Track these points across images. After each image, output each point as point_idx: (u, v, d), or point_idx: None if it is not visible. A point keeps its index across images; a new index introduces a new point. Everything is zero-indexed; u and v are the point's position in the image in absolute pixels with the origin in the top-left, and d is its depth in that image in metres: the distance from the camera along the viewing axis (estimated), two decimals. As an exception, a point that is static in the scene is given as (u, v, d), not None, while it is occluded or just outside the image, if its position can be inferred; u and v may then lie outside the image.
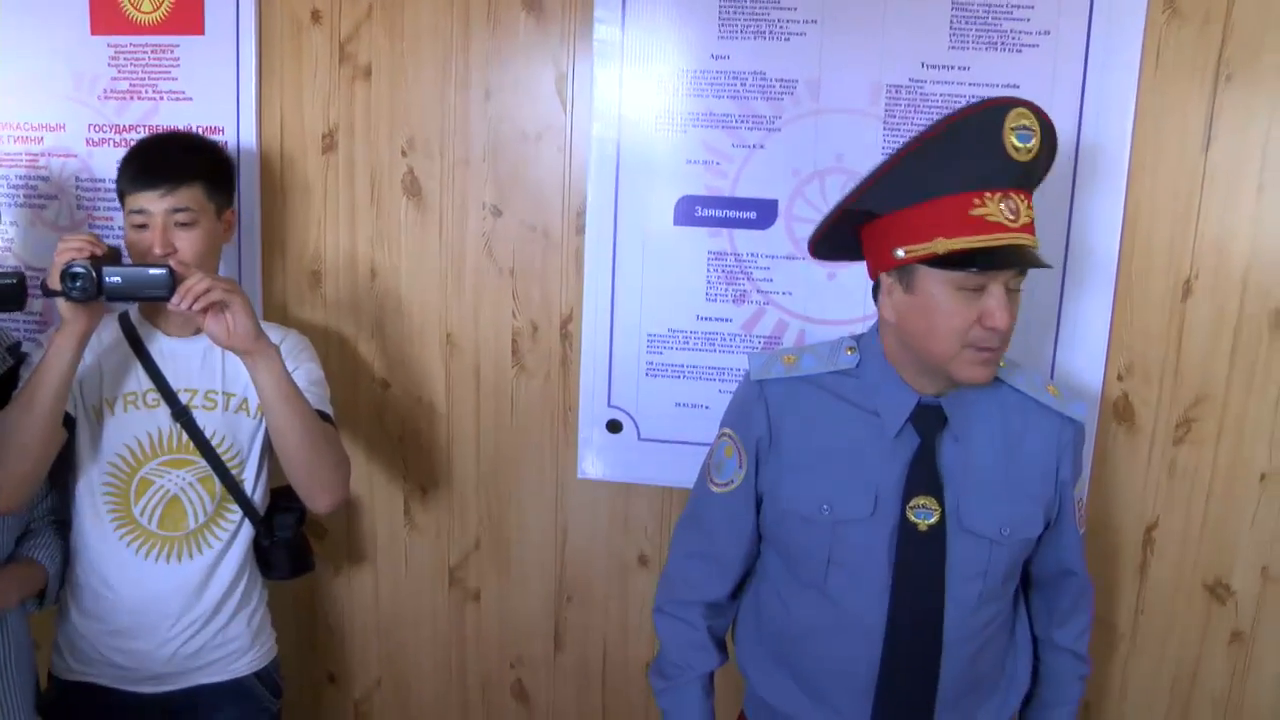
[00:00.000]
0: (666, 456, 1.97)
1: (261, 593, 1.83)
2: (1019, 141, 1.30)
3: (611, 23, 1.86)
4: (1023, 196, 1.32)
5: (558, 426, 2.04)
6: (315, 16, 1.97)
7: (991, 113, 1.31)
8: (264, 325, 1.74)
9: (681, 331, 1.93)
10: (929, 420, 1.44)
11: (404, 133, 1.98)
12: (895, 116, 1.82)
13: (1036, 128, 1.31)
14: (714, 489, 1.56)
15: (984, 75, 1.80)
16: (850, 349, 1.49)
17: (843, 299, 1.88)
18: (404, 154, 1.99)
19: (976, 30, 1.79)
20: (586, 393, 1.98)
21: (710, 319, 1.92)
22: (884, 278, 1.40)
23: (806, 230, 1.84)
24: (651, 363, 1.95)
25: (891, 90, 1.81)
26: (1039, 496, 1.47)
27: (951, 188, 1.32)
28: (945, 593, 1.43)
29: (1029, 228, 1.32)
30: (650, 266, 1.92)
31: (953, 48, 1.80)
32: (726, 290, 1.91)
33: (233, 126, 1.99)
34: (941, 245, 1.31)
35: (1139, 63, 1.77)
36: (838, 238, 1.47)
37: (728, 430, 1.57)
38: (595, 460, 2.01)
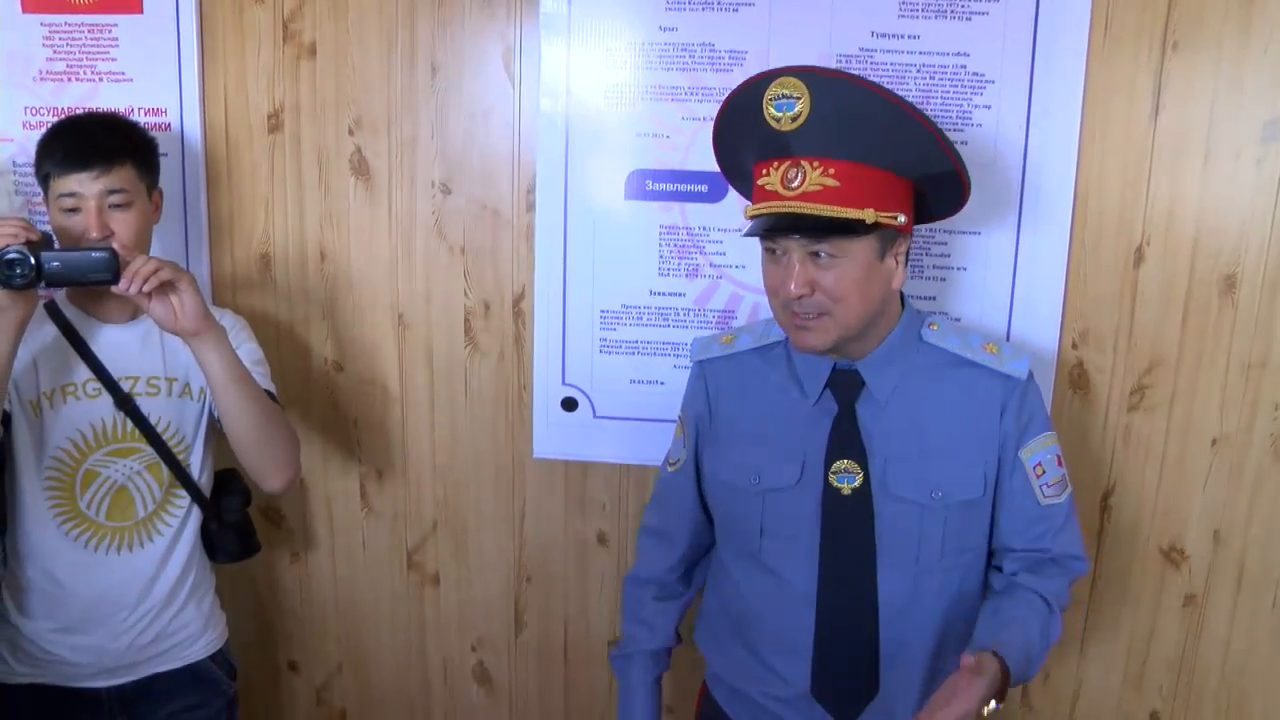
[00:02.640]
0: (622, 433, 1.97)
1: (210, 577, 1.81)
2: (777, 110, 1.34)
3: (558, -4, 1.84)
4: (816, 163, 1.33)
5: (512, 406, 2.03)
6: (258, -6, 1.93)
7: (751, 88, 1.38)
8: (204, 307, 1.73)
9: (635, 307, 1.92)
10: (847, 385, 1.46)
11: (351, 111, 1.95)
12: (846, 87, 1.81)
13: (801, 94, 1.32)
14: (668, 469, 1.66)
15: (934, 44, 1.79)
16: None
17: (796, 272, 1.86)
18: (351, 133, 1.96)
19: (926, -1, 1.78)
20: (540, 371, 1.97)
21: (663, 294, 1.91)
22: None
23: (758, 203, 1.85)
24: (605, 339, 1.94)
25: (842, 60, 1.80)
26: (975, 459, 1.46)
27: (749, 160, 1.43)
28: (876, 558, 1.44)
29: (814, 195, 1.32)
30: (602, 242, 1.90)
31: (902, 16, 1.78)
32: (679, 265, 1.89)
33: (175, 108, 1.94)
34: (747, 213, 1.43)
35: (1087, 32, 1.76)
36: None
37: (680, 412, 1.65)
38: (551, 439, 1.99)
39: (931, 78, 1.79)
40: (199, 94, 1.95)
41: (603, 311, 1.93)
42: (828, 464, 1.45)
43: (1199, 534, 1.91)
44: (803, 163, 1.33)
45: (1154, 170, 1.80)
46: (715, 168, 1.80)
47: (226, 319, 1.74)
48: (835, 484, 1.44)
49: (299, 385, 2.05)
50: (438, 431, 2.06)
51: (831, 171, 1.32)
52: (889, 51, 1.79)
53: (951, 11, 1.78)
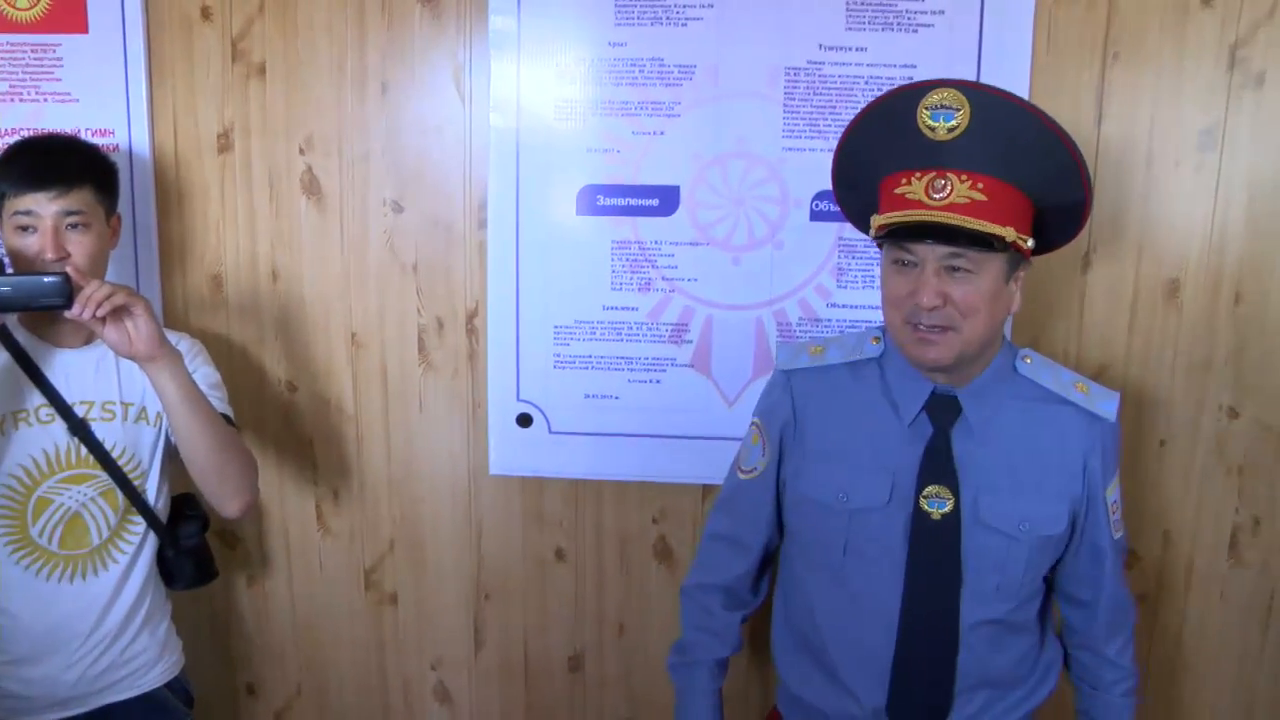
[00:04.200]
0: (578, 449, 1.96)
1: (166, 604, 1.79)
2: (933, 120, 1.33)
3: (507, 13, 1.84)
4: (964, 176, 1.33)
5: (468, 423, 2.02)
6: (205, 13, 1.92)
7: (907, 96, 1.36)
8: (159, 331, 1.71)
9: (588, 322, 1.92)
10: (944, 411, 1.45)
11: (301, 131, 1.95)
12: (795, 99, 1.82)
13: (962, 105, 1.32)
14: (741, 475, 1.62)
15: (881, 56, 1.81)
16: (875, 339, 1.52)
17: (749, 284, 1.88)
18: (302, 152, 1.95)
19: (873, 11, 1.80)
20: (495, 387, 1.96)
21: (616, 308, 1.91)
22: None
23: (710, 216, 1.87)
24: (559, 355, 1.93)
25: (790, 73, 1.82)
26: (1063, 495, 1.46)
27: (885, 169, 1.39)
28: (961, 583, 1.45)
29: (961, 207, 1.32)
30: (554, 257, 1.90)
31: (850, 29, 1.80)
32: (631, 279, 1.90)
33: (123, 129, 1.93)
34: (875, 221, 1.40)
35: (1031, 43, 1.79)
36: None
37: (756, 419, 1.61)
38: (507, 455, 1.99)
39: (879, 89, 1.78)
40: (147, 114, 1.93)
41: (556, 327, 1.93)
42: (919, 487, 1.45)
43: (1150, 535, 1.94)
44: (949, 174, 1.33)
45: (1099, 177, 1.82)
46: (667, 181, 1.86)
47: (183, 343, 1.72)
48: (926, 508, 1.44)
49: (253, 406, 2.03)
50: (393, 450, 2.05)
51: (980, 186, 1.33)
52: (837, 64, 1.81)
53: (898, 24, 1.80)
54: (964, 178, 1.33)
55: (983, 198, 1.33)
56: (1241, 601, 1.95)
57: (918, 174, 1.35)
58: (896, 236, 1.36)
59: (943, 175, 1.33)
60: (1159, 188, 1.83)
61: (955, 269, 1.34)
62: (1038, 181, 1.37)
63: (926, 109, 1.34)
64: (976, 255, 1.34)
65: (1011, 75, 1.78)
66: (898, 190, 1.37)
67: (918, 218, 1.34)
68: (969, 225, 1.32)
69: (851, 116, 1.75)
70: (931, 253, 1.34)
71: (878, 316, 1.86)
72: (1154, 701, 1.98)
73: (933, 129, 1.34)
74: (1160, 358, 1.88)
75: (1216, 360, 1.86)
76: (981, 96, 1.33)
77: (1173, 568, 1.95)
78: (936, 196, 1.33)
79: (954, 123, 1.33)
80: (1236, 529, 1.92)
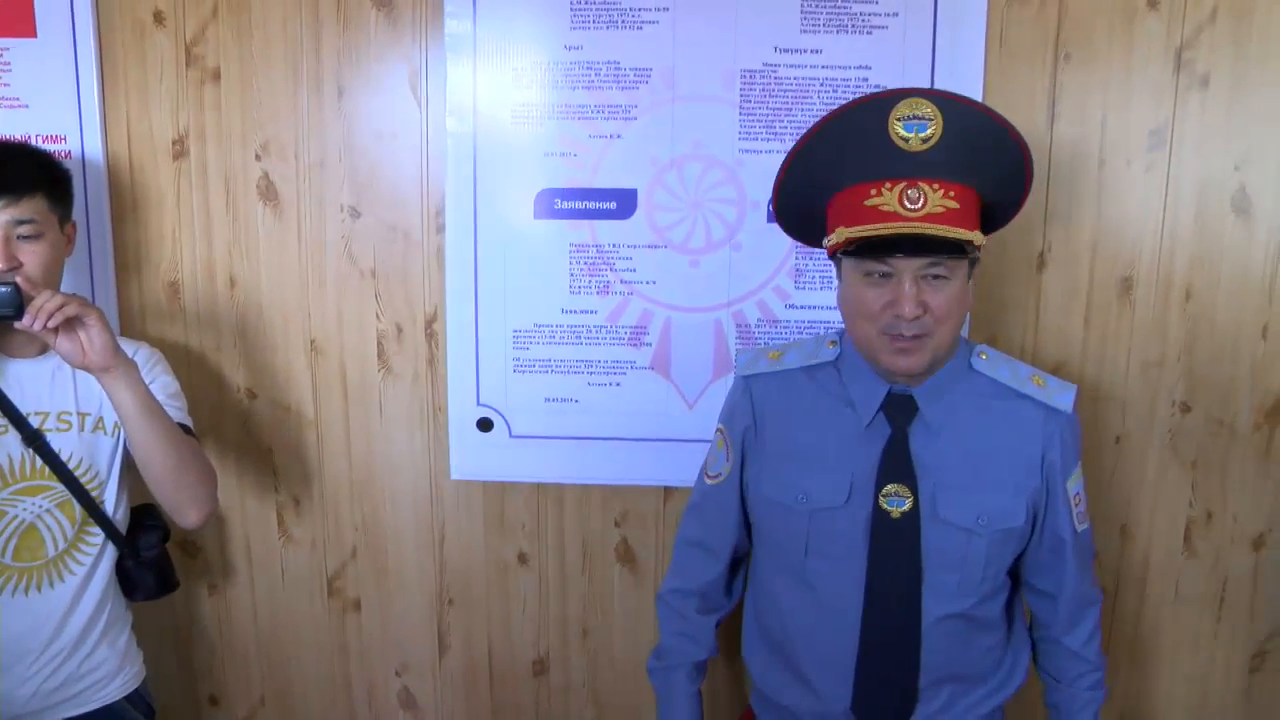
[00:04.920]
0: (539, 453, 1.96)
1: (126, 614, 1.77)
2: (905, 131, 1.33)
3: (463, 17, 1.83)
4: (936, 185, 1.33)
5: (428, 428, 2.01)
6: (158, 18, 1.90)
7: (877, 105, 1.35)
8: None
9: (547, 326, 1.92)
10: (901, 410, 1.47)
11: (257, 136, 1.93)
12: (751, 101, 1.83)
13: (935, 116, 1.33)
14: (708, 481, 1.64)
15: (836, 58, 1.82)
16: (832, 343, 1.54)
17: (707, 286, 1.88)
18: (258, 158, 1.94)
19: (827, 13, 1.81)
20: (455, 392, 1.95)
21: (575, 312, 1.91)
22: (835, 267, 1.46)
23: (667, 219, 1.87)
24: (519, 359, 1.93)
25: (746, 75, 1.82)
26: (1021, 488, 1.48)
27: (849, 180, 1.38)
28: (922, 580, 1.46)
29: (939, 217, 1.33)
30: (512, 261, 1.90)
31: (804, 31, 1.81)
32: (590, 282, 1.90)
33: (75, 135, 1.90)
34: (842, 234, 1.38)
35: (984, 44, 1.81)
36: (816, 228, 1.50)
37: (720, 425, 1.63)
38: (468, 460, 1.98)
39: (834, 91, 1.82)
40: (100, 120, 1.91)
41: (515, 331, 1.92)
42: (878, 486, 1.46)
43: (1108, 530, 1.96)
44: (921, 184, 1.33)
45: (1052, 178, 1.85)
46: (624, 184, 1.85)
47: (142, 352, 1.71)
48: (885, 506, 1.46)
49: (212, 414, 2.02)
50: (354, 456, 2.04)
51: (952, 194, 1.34)
52: (792, 66, 1.82)
53: (852, 26, 1.81)
54: (936, 187, 1.34)
55: (955, 205, 1.35)
56: (1196, 592, 1.98)
57: (888, 184, 1.35)
58: (876, 250, 1.35)
59: (914, 185, 1.34)
60: (1111, 187, 1.85)
61: (934, 277, 1.35)
62: (992, 184, 1.40)
63: (898, 120, 1.34)
64: (951, 262, 1.35)
65: (965, 77, 1.80)
66: (869, 202, 1.36)
67: (897, 230, 1.33)
68: (950, 235, 1.33)
69: (808, 119, 1.78)
70: (909, 264, 1.34)
71: (836, 318, 1.87)
72: (1114, 693, 2.00)
73: (906, 140, 1.34)
74: (1115, 355, 1.90)
75: (1169, 356, 1.89)
76: (953, 107, 1.34)
77: (1130, 562, 1.98)
78: (911, 207, 1.33)
79: (928, 133, 1.33)
80: (1190, 522, 1.95)
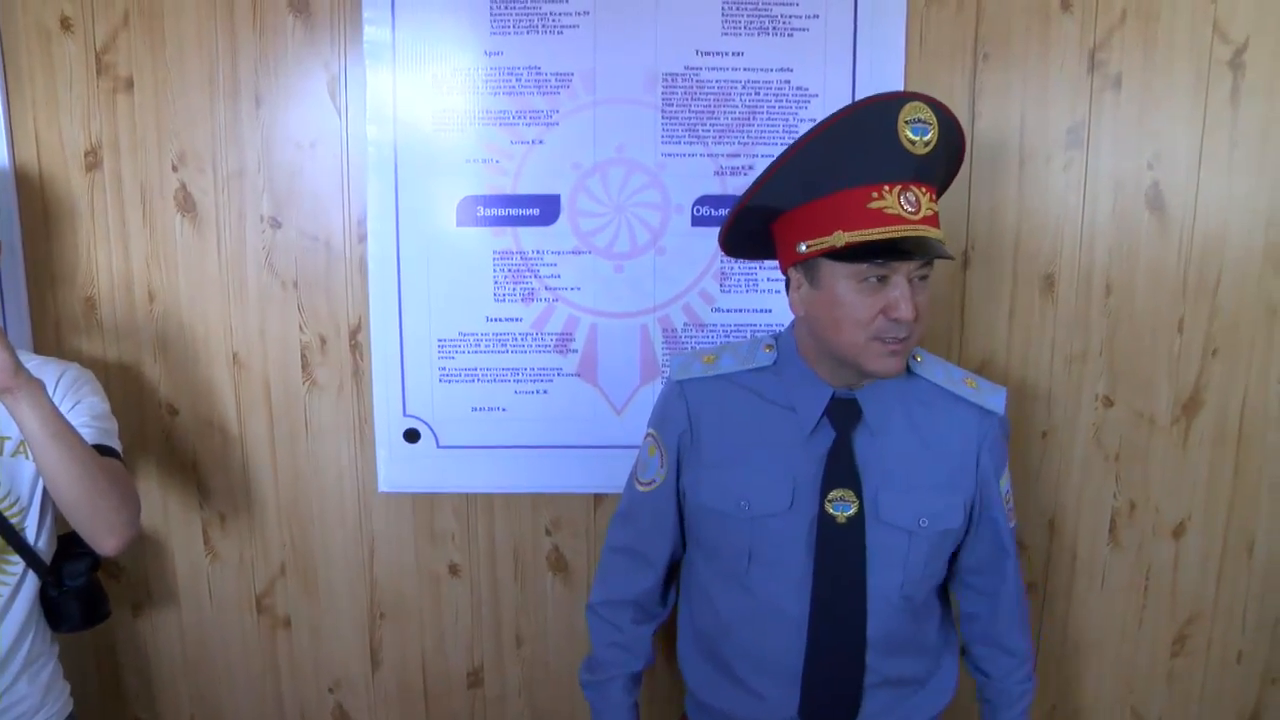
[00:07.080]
0: (467, 462, 1.94)
1: (51, 646, 1.69)
2: (913, 135, 1.32)
3: (381, 23, 1.81)
4: (924, 189, 1.33)
5: (355, 440, 1.98)
6: (65, 24, 1.85)
7: (886, 106, 1.33)
8: (40, 361, 1.63)
9: (472, 334, 1.90)
10: (844, 414, 1.46)
11: (173, 146, 1.89)
12: (673, 105, 1.82)
13: (933, 121, 1.33)
14: (639, 487, 1.61)
15: (758, 60, 1.82)
16: (768, 346, 1.51)
17: (633, 291, 1.88)
18: (175, 169, 1.90)
19: (748, 16, 1.81)
20: (381, 403, 1.93)
21: (500, 319, 1.89)
22: (791, 273, 1.42)
23: (591, 224, 1.85)
24: (444, 368, 1.91)
25: (667, 79, 1.82)
26: (958, 488, 1.48)
27: (849, 181, 1.33)
28: (866, 583, 1.45)
29: (931, 220, 1.33)
30: (436, 270, 1.88)
31: (726, 34, 1.81)
32: (514, 289, 1.88)
33: (-21, 146, 1.85)
34: (841, 238, 1.33)
35: (904, 45, 1.82)
36: (749, 235, 1.47)
37: (651, 430, 1.60)
38: (396, 472, 1.95)
39: (757, 93, 1.82)
40: (6, 130, 1.86)
41: (440, 340, 1.90)
42: (823, 491, 1.45)
43: (1035, 524, 1.99)
44: (913, 187, 1.33)
45: (974, 176, 1.86)
46: (547, 190, 1.84)
47: (70, 373, 1.65)
48: (831, 511, 1.44)
49: (134, 431, 1.97)
50: (280, 471, 2.00)
51: (932, 197, 1.35)
52: (714, 69, 1.82)
53: (774, 28, 1.81)
54: (924, 190, 1.34)
55: (936, 208, 1.36)
56: (1121, 582, 2.01)
57: (887, 187, 1.33)
58: (883, 253, 1.32)
59: (908, 189, 1.33)
60: (1032, 185, 1.87)
61: (920, 278, 1.35)
62: (939, 190, 1.42)
63: (907, 123, 1.32)
64: (936, 263, 1.37)
65: (886, 78, 1.81)
66: (872, 205, 1.32)
67: (904, 233, 1.31)
68: (940, 236, 1.34)
69: (730, 121, 1.78)
70: (906, 266, 1.33)
71: (763, 319, 1.89)
72: (1045, 683, 2.03)
73: (913, 143, 1.32)
74: (1039, 351, 1.93)
75: (1091, 351, 1.92)
76: (941, 113, 1.35)
77: (1057, 555, 2.01)
78: (910, 210, 1.32)
79: (929, 137, 1.33)
80: (1115, 514, 1.98)
